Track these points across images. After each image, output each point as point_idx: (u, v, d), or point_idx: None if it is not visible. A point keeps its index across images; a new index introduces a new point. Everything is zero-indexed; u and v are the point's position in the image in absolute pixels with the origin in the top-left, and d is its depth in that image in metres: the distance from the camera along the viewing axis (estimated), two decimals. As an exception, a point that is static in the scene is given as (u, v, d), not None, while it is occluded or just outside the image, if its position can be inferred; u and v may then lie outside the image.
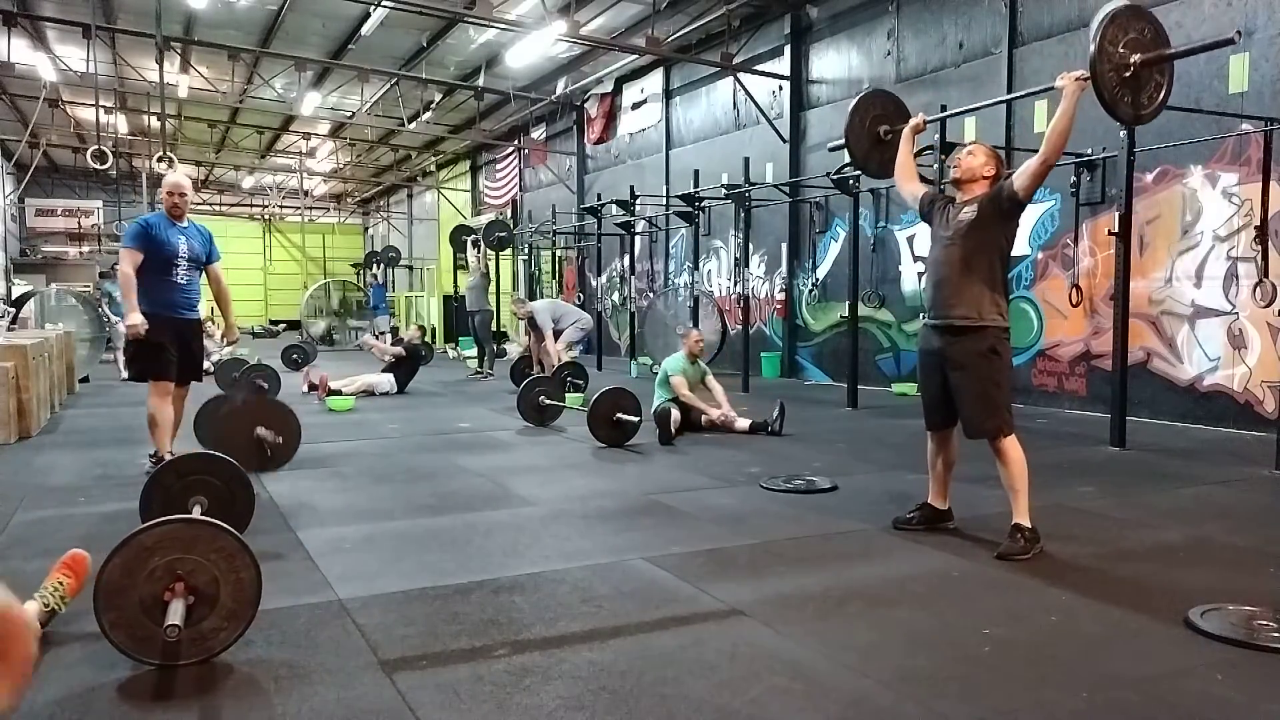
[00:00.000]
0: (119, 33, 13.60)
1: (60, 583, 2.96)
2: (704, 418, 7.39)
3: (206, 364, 13.06)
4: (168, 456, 5.23)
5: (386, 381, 10.55)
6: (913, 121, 4.39)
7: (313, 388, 10.13)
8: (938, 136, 7.95)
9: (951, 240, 3.98)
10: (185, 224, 5.58)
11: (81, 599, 2.89)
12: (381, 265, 21.17)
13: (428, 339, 16.58)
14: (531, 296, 19.07)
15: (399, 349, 10.99)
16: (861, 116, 4.68)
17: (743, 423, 7.35)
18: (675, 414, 7.05)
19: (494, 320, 14.16)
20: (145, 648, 2.58)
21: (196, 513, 3.62)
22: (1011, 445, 3.89)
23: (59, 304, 14.27)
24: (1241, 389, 7.36)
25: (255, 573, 2.68)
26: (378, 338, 11.42)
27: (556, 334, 11.21)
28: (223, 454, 4.07)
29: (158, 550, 2.59)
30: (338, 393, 9.71)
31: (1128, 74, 3.60)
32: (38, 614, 2.83)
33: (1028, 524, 3.84)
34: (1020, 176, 3.82)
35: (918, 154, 8.58)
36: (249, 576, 2.67)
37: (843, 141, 4.74)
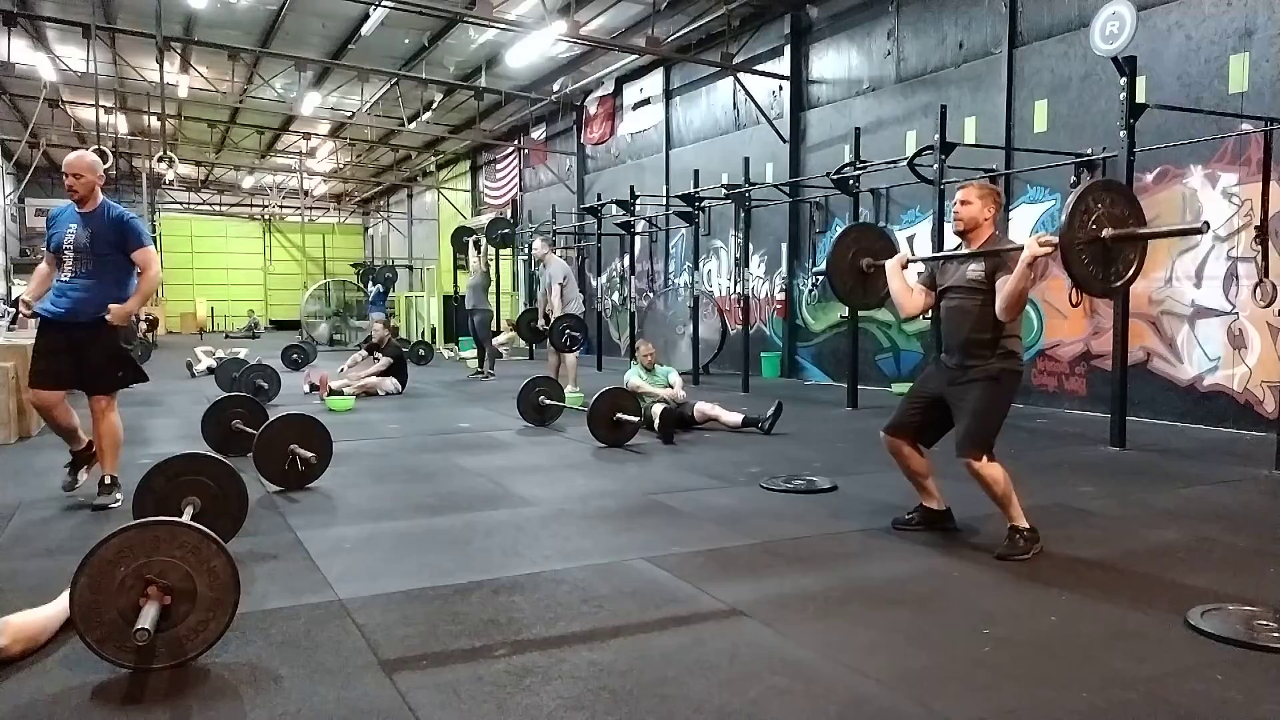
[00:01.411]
0: (119, 33, 13.61)
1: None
2: (697, 409, 7.53)
3: (207, 363, 13.15)
4: (83, 478, 4.94)
5: (390, 383, 10.55)
6: (897, 258, 4.32)
7: (314, 388, 10.13)
8: (937, 136, 7.95)
9: (962, 295, 3.96)
10: (92, 209, 4.61)
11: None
12: (378, 285, 21.05)
13: (398, 336, 16.42)
14: (531, 297, 19.08)
15: (381, 363, 10.67)
16: (843, 251, 4.62)
17: (734, 418, 7.41)
18: (657, 410, 7.18)
19: (494, 320, 14.12)
20: (142, 656, 2.59)
21: (188, 514, 3.62)
22: (987, 466, 3.84)
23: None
24: (1241, 389, 7.36)
25: (226, 558, 2.69)
26: (354, 365, 11.06)
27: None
28: (227, 462, 4.07)
29: (120, 560, 2.59)
30: (339, 393, 9.71)
31: (1098, 247, 3.53)
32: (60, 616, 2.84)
33: (1025, 525, 3.83)
34: (999, 310, 3.76)
35: (917, 154, 8.64)
36: (221, 563, 2.67)
37: (824, 270, 4.73)
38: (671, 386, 7.71)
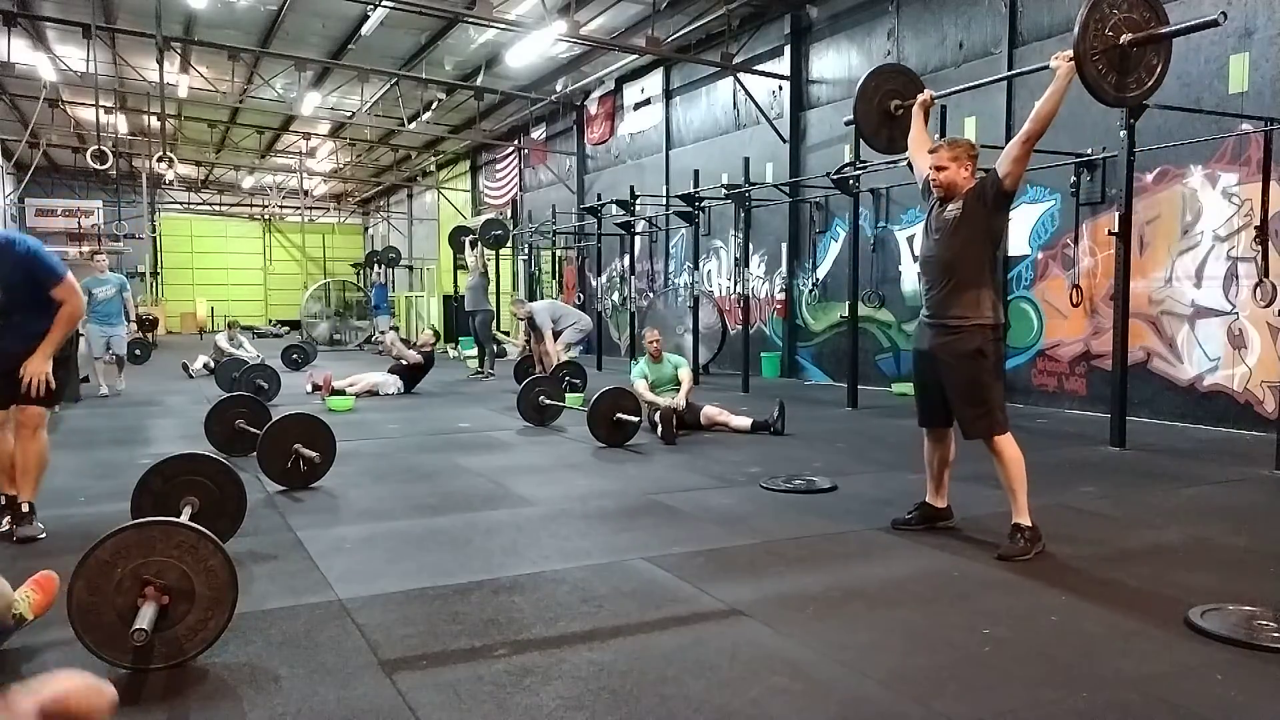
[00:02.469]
0: (119, 33, 13.60)
1: (29, 595, 2.93)
2: (704, 413, 7.45)
3: (205, 360, 13.22)
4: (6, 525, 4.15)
5: (392, 383, 10.53)
6: (921, 97, 4.34)
7: (316, 388, 10.13)
8: (937, 135, 7.95)
9: (940, 238, 3.96)
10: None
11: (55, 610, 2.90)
12: (382, 266, 21.22)
13: (405, 334, 16.69)
14: (531, 296, 19.06)
15: (417, 356, 10.93)
16: (874, 89, 4.59)
17: (743, 421, 7.35)
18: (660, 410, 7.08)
19: (494, 320, 14.17)
20: (140, 656, 2.59)
21: (186, 514, 3.62)
22: (1006, 443, 3.88)
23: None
24: (1241, 389, 7.36)
25: (223, 557, 2.69)
26: (387, 335, 11.51)
27: (556, 335, 11.24)
28: (224, 460, 4.06)
29: (117, 562, 2.59)
30: (341, 393, 9.72)
31: (1115, 54, 3.51)
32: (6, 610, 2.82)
33: (1028, 523, 3.83)
34: (1003, 163, 3.78)
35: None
36: (218, 562, 2.67)
37: (852, 117, 4.69)
38: (680, 383, 7.52)
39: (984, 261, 3.92)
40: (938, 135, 7.91)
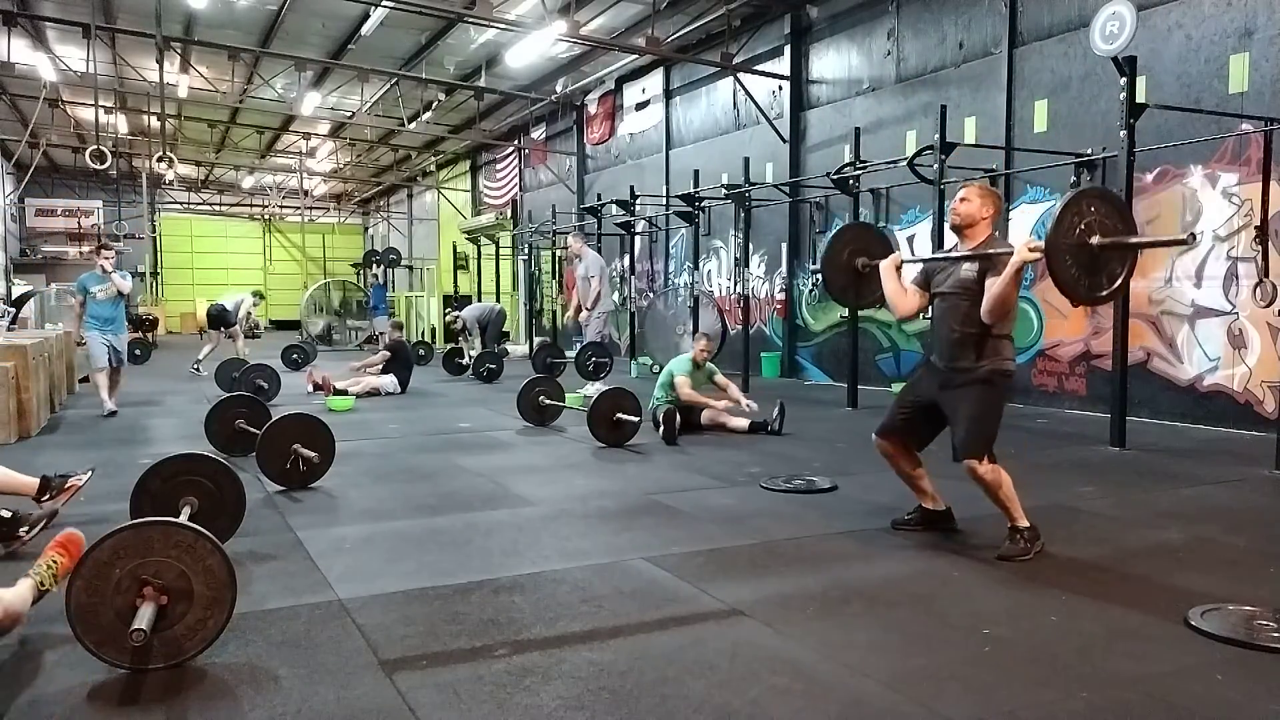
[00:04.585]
0: (119, 33, 13.61)
1: (54, 561, 2.96)
2: (704, 414, 7.41)
3: (200, 354, 13.39)
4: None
5: (390, 383, 10.55)
6: (891, 259, 4.29)
7: (318, 388, 10.13)
8: (937, 136, 7.95)
9: (956, 296, 3.94)
10: None
11: (50, 601, 2.90)
12: (381, 266, 21.23)
13: (406, 335, 16.91)
14: (531, 296, 19.13)
15: (382, 353, 11.01)
16: (838, 250, 4.60)
17: (741, 422, 7.35)
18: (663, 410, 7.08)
19: (503, 320, 14.60)
20: (139, 656, 2.59)
21: (185, 514, 3.62)
22: (986, 470, 3.82)
23: (59, 304, 14.26)
24: (1241, 389, 7.36)
25: (221, 556, 2.69)
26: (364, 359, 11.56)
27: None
28: (224, 461, 4.06)
29: (115, 562, 2.59)
30: (343, 392, 9.72)
31: (1084, 253, 3.52)
32: (31, 591, 2.83)
33: (1026, 524, 3.83)
34: (984, 312, 3.77)
35: (917, 154, 8.64)
36: (216, 561, 2.68)
37: (819, 268, 4.72)
38: (717, 386, 7.53)
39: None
40: (938, 136, 7.91)
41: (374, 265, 21.80)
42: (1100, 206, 3.59)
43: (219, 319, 13.65)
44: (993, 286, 3.71)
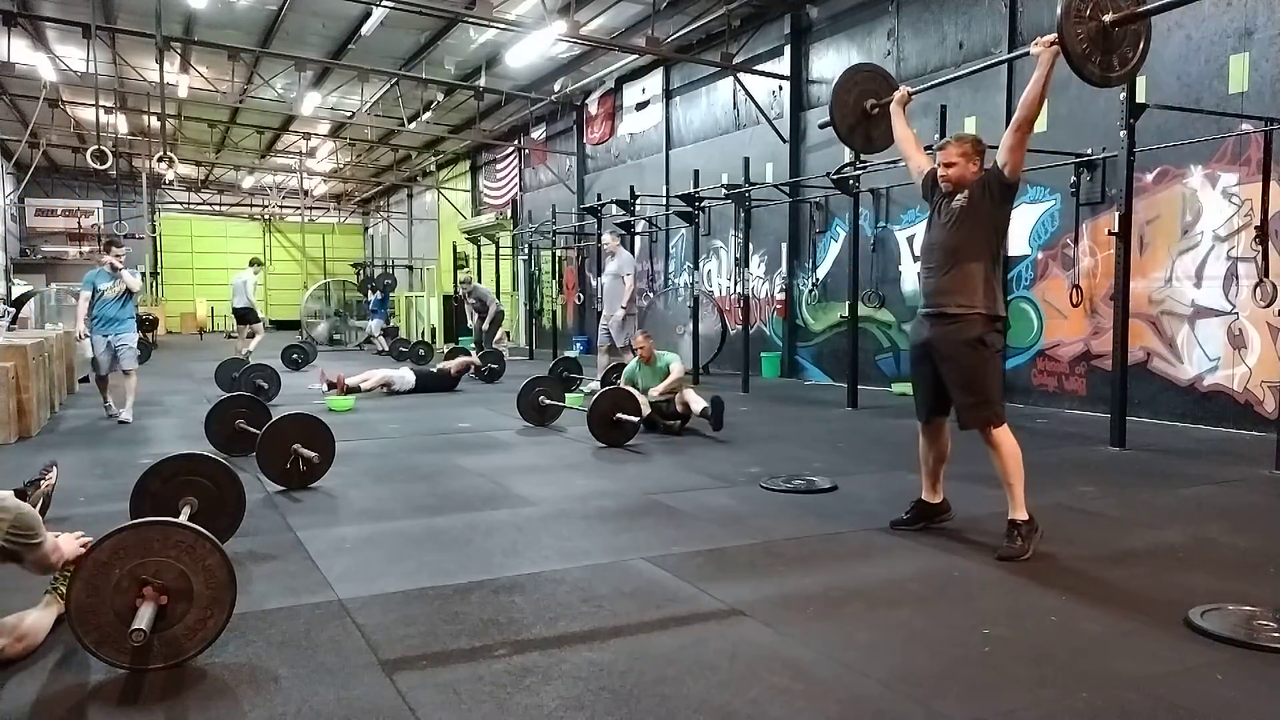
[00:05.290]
0: (119, 33, 13.60)
1: (70, 573, 2.96)
2: (676, 403, 7.39)
3: (246, 349, 13.73)
4: None
5: (404, 377, 10.54)
6: (898, 94, 4.37)
7: (332, 386, 10.11)
8: (937, 136, 7.94)
9: (945, 227, 3.99)
10: None
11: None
12: (378, 291, 21.06)
13: (391, 340, 17.24)
14: (531, 296, 19.13)
15: (453, 369, 11.28)
16: (846, 90, 4.61)
17: (700, 403, 7.21)
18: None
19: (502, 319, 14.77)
20: (139, 657, 2.59)
21: (185, 515, 3.62)
22: (1003, 435, 3.87)
23: (59, 304, 14.26)
24: (1241, 389, 7.36)
25: (221, 556, 2.69)
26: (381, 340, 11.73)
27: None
28: (224, 461, 4.06)
29: (115, 562, 2.59)
30: (356, 389, 9.73)
31: (1097, 34, 3.54)
32: (53, 615, 2.85)
33: (1024, 517, 3.83)
34: (1001, 153, 3.82)
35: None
36: (216, 561, 2.68)
37: (829, 119, 4.70)
38: (671, 377, 7.49)
39: (988, 251, 3.93)
40: (938, 136, 7.91)
41: (370, 290, 21.62)
42: None
43: (245, 316, 14.40)
44: (1026, 93, 3.68)
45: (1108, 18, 3.52)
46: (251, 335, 14.23)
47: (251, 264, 14.60)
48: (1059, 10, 3.53)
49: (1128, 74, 3.76)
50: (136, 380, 8.45)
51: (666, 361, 7.67)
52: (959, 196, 3.95)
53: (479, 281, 17.38)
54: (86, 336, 8.27)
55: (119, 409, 8.20)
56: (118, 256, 8.27)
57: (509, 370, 12.40)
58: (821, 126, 5.13)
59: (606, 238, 11.51)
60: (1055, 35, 3.63)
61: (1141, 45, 3.71)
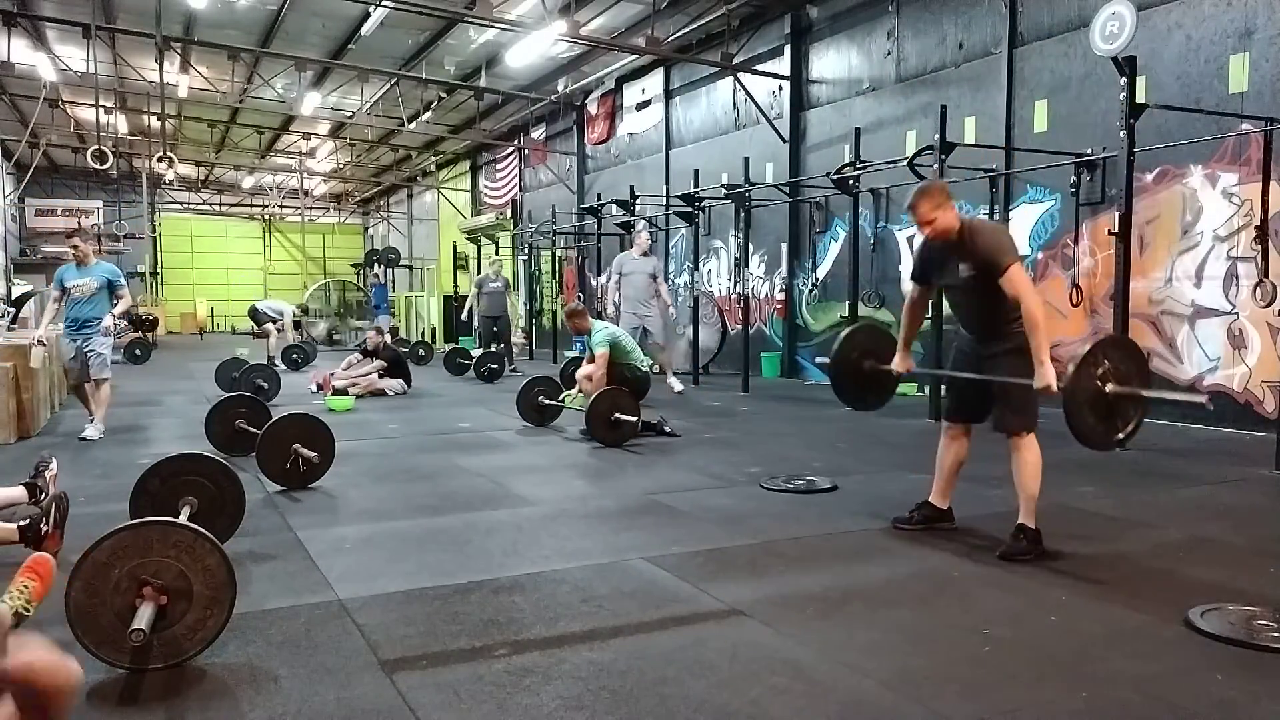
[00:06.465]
0: (119, 33, 13.60)
1: (26, 585, 2.93)
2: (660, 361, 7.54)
3: (282, 342, 14.01)
4: None
5: (396, 385, 10.57)
6: (899, 368, 4.31)
7: (320, 388, 10.13)
8: (937, 136, 7.95)
9: (964, 290, 3.99)
10: None
11: (48, 604, 2.90)
12: (382, 266, 21.28)
13: (397, 337, 17.24)
14: (531, 296, 19.13)
15: (379, 363, 10.77)
16: (848, 352, 4.57)
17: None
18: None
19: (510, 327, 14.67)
20: (139, 657, 2.59)
21: (185, 514, 3.62)
22: (1030, 445, 3.92)
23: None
24: (1241, 389, 7.35)
25: (220, 555, 2.69)
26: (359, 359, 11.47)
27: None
28: (224, 461, 4.06)
29: (114, 562, 2.59)
30: (342, 392, 9.72)
31: (1101, 402, 3.64)
32: (8, 619, 2.82)
33: (1032, 525, 3.84)
34: (1004, 282, 3.77)
35: (917, 154, 8.64)
36: (215, 561, 2.68)
37: (830, 373, 4.68)
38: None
39: (1011, 295, 3.91)
40: (938, 137, 7.91)
41: (375, 265, 21.83)
42: (1118, 355, 3.73)
43: (259, 317, 15.25)
44: (1033, 337, 3.74)
45: (1110, 388, 3.64)
46: (264, 334, 15.03)
47: (297, 307, 16.13)
48: (1070, 367, 3.61)
49: (1133, 433, 3.87)
50: (109, 391, 7.36)
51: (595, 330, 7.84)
52: (964, 266, 3.89)
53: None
54: (41, 344, 7.28)
55: (86, 424, 7.16)
56: (76, 247, 7.09)
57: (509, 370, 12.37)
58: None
59: (644, 236, 11.49)
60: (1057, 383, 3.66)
61: (1135, 423, 3.81)
